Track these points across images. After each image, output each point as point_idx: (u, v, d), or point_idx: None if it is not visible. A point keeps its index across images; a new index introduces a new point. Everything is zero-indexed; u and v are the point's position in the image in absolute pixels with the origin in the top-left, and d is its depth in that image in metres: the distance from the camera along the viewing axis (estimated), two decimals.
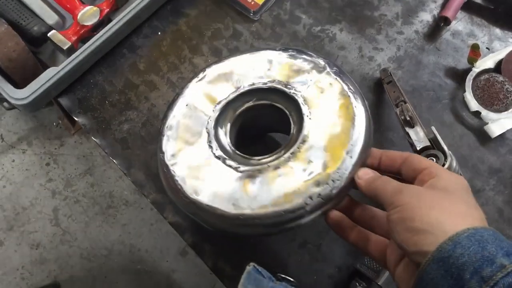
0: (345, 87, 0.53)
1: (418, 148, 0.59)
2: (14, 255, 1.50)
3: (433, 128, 0.60)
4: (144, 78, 0.69)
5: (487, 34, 0.72)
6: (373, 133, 0.53)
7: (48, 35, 0.63)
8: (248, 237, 0.59)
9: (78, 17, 0.65)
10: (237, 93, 0.56)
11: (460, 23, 0.72)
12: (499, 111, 0.66)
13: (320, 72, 0.55)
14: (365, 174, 0.48)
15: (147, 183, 0.64)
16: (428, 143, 0.59)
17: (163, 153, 0.55)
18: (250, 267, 0.50)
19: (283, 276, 0.54)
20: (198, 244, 0.62)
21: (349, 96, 0.53)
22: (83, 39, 0.66)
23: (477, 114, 0.66)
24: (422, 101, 0.68)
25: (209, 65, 0.59)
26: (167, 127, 0.56)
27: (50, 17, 0.65)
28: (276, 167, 0.50)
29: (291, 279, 0.54)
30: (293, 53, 0.57)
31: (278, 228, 0.49)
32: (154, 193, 0.64)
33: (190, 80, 0.58)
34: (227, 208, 0.49)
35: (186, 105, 0.56)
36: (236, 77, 0.57)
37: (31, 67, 0.61)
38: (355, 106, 0.52)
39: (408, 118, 0.61)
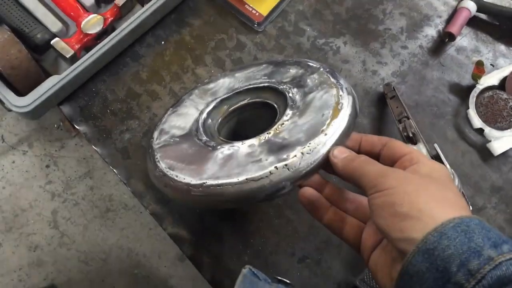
0: (334, 81, 0.53)
1: None
2: (12, 256, 1.50)
3: (435, 145, 0.60)
4: (147, 88, 0.68)
5: (491, 51, 0.72)
6: (355, 120, 0.51)
7: (51, 42, 0.63)
8: (219, 208, 0.62)
9: (82, 26, 0.64)
10: (233, 92, 0.60)
11: (465, 39, 0.72)
12: (502, 128, 0.66)
13: (312, 71, 0.56)
14: (341, 153, 0.46)
15: (147, 194, 0.64)
16: None
17: (152, 139, 0.58)
18: (245, 269, 0.50)
19: (279, 278, 0.54)
20: (197, 256, 0.62)
21: (336, 86, 0.52)
22: (86, 48, 0.66)
23: (480, 131, 0.66)
24: (425, 117, 0.68)
25: (217, 76, 0.64)
26: (161, 119, 0.60)
27: (54, 25, 0.65)
28: (250, 143, 0.50)
29: (288, 281, 0.53)
30: (289, 62, 0.61)
31: (242, 199, 0.47)
32: (153, 203, 0.64)
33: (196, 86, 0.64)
34: (194, 179, 0.48)
35: (185, 101, 0.62)
36: (235, 84, 0.62)
37: (34, 74, 0.61)
38: (341, 95, 0.51)
39: (411, 135, 0.61)
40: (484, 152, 0.66)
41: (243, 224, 0.63)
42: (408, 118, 0.63)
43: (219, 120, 0.59)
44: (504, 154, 0.65)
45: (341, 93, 0.51)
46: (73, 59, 0.63)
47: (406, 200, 0.37)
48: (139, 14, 0.65)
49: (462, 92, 0.69)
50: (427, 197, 0.37)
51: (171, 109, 0.62)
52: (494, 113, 0.67)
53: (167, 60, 0.70)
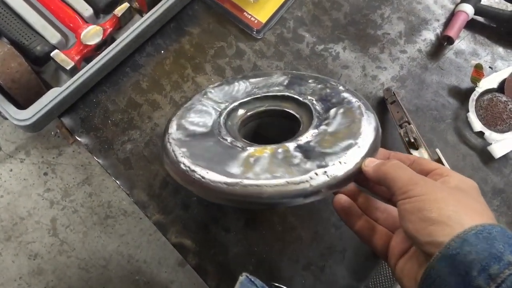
0: (355, 98, 0.56)
1: None
2: (11, 265, 1.49)
3: (437, 150, 0.60)
4: (147, 97, 0.68)
5: (490, 53, 0.72)
6: (380, 134, 0.53)
7: (51, 55, 0.63)
8: (253, 208, 0.61)
9: (81, 37, 0.64)
10: (252, 97, 0.60)
11: (463, 42, 0.73)
12: (502, 131, 0.66)
13: (331, 87, 0.59)
14: (372, 162, 0.48)
15: (150, 204, 0.64)
16: None
17: (168, 137, 0.55)
18: (242, 277, 0.50)
19: (277, 285, 0.54)
20: (202, 266, 0.62)
21: (358, 102, 0.55)
22: (86, 59, 0.65)
23: (480, 134, 0.67)
24: (425, 121, 0.68)
25: (228, 79, 0.65)
26: (177, 115, 0.59)
27: (53, 37, 0.65)
28: (284, 146, 0.51)
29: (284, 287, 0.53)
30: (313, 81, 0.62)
31: (279, 201, 0.47)
32: (157, 214, 0.64)
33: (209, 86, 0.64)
34: (228, 178, 0.48)
35: (199, 100, 0.61)
36: (253, 91, 0.62)
37: (34, 87, 0.61)
38: (365, 111, 0.54)
39: (412, 140, 0.61)
40: (485, 155, 0.66)
41: (247, 232, 0.63)
42: (409, 123, 0.63)
43: (238, 123, 0.59)
44: (504, 156, 0.66)
45: (363, 108, 0.54)
46: (73, 70, 0.63)
47: (435, 207, 0.38)
48: (139, 24, 0.65)
49: (462, 96, 0.69)
50: (456, 205, 0.39)
51: (184, 106, 0.61)
52: (494, 116, 0.67)
53: (167, 69, 0.70)
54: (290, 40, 0.72)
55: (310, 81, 0.61)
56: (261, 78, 0.64)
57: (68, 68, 0.62)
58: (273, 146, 0.51)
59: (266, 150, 0.51)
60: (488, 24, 0.74)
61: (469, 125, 0.68)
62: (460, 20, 0.71)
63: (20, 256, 1.50)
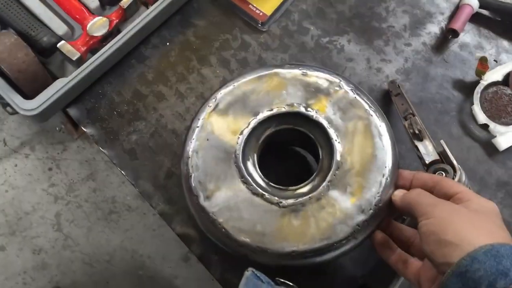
0: (366, 106, 0.55)
1: (427, 162, 0.59)
2: (16, 260, 1.50)
3: (442, 142, 0.60)
4: (153, 89, 0.69)
5: (494, 46, 0.72)
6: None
7: (58, 46, 0.63)
8: (300, 269, 0.59)
9: (87, 28, 0.65)
10: (257, 120, 0.54)
11: (468, 35, 0.73)
12: (507, 124, 0.66)
13: (337, 90, 0.55)
14: (400, 192, 0.51)
15: (155, 194, 0.64)
16: (437, 157, 0.59)
17: (196, 196, 0.53)
18: (248, 272, 0.50)
19: (282, 280, 0.54)
20: (206, 255, 0.62)
21: (371, 115, 0.54)
22: (92, 50, 0.66)
23: (485, 127, 0.67)
24: (429, 113, 0.68)
25: (218, 90, 0.57)
26: (192, 166, 0.53)
27: (60, 28, 0.65)
28: (318, 199, 0.51)
29: (290, 284, 0.54)
30: (304, 70, 0.56)
31: (329, 259, 0.51)
32: (162, 204, 0.64)
33: (202, 109, 0.56)
34: (278, 246, 0.50)
35: (207, 140, 0.54)
36: (250, 103, 0.55)
37: (41, 78, 0.61)
38: (380, 125, 0.54)
39: (417, 132, 0.61)
40: (489, 148, 0.66)
41: None
42: (414, 115, 0.63)
43: (255, 157, 0.56)
44: (509, 149, 0.66)
45: (378, 122, 0.54)
46: (79, 61, 0.64)
47: (450, 229, 0.42)
48: (145, 16, 0.65)
49: (466, 89, 0.69)
50: (470, 227, 0.42)
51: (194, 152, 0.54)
52: (498, 109, 0.67)
53: (172, 61, 0.70)
54: (295, 33, 0.72)
55: (314, 80, 0.57)
56: (262, 84, 0.57)
57: (74, 59, 0.63)
58: (307, 191, 0.52)
59: (302, 203, 0.51)
60: (493, 17, 0.74)
61: (473, 117, 0.68)
62: (465, 14, 0.71)
63: (24, 250, 1.51)
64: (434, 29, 0.73)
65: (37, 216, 1.55)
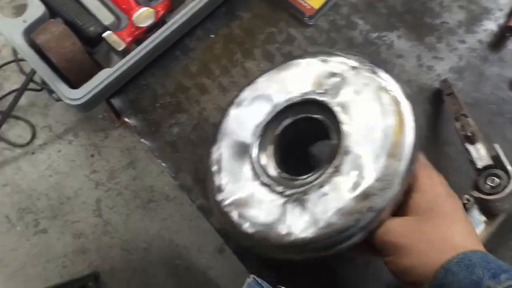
0: (383, 83, 0.49)
1: (479, 167, 0.56)
2: (57, 243, 1.54)
3: (496, 146, 0.57)
4: (196, 81, 0.68)
5: None
6: (422, 133, 0.50)
7: (103, 36, 0.63)
8: (303, 262, 0.57)
9: (134, 19, 0.64)
10: (273, 113, 0.54)
11: None
12: None
13: (352, 72, 0.51)
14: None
15: (194, 188, 0.64)
16: (490, 162, 0.56)
17: (213, 190, 0.54)
18: (250, 279, 0.50)
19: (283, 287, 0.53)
20: (243, 252, 0.61)
21: (388, 93, 0.48)
22: (137, 41, 0.66)
23: None
24: (483, 115, 0.65)
25: (242, 89, 0.58)
26: (211, 162, 0.55)
27: (106, 18, 0.65)
28: (321, 186, 0.47)
29: None
30: (323, 57, 0.54)
31: (331, 250, 0.47)
32: (201, 198, 0.63)
33: (228, 107, 0.57)
34: (277, 237, 0.48)
35: (227, 135, 0.56)
36: (268, 96, 0.55)
37: (86, 67, 0.62)
38: (398, 103, 0.48)
39: (469, 134, 0.58)
40: None
41: None
42: (466, 116, 0.60)
43: (271, 149, 0.55)
44: None
45: (396, 99, 0.48)
46: (125, 52, 0.64)
47: (406, 255, 0.43)
48: (191, 7, 0.64)
49: None
50: (427, 244, 0.43)
51: (215, 146, 0.56)
52: None
53: (216, 53, 0.69)
54: (343, 27, 0.70)
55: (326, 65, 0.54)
56: (278, 75, 0.57)
57: (119, 49, 0.63)
58: (312, 179, 0.49)
59: (304, 188, 0.49)
60: None
61: None
62: None
63: (65, 234, 1.55)
64: (491, 26, 0.69)
65: (78, 201, 1.58)
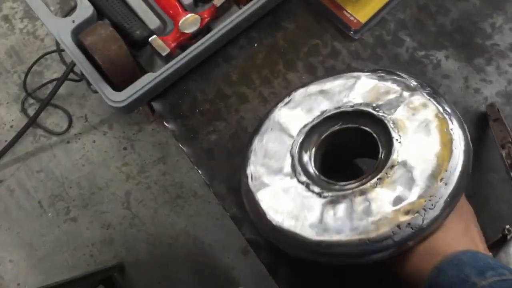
0: (440, 109, 0.50)
1: None
2: (85, 232, 1.57)
3: None
4: (236, 90, 0.68)
5: None
6: (472, 162, 0.49)
7: (149, 40, 0.64)
8: (329, 266, 0.57)
9: (179, 24, 0.65)
10: (323, 117, 0.55)
11: None
12: None
13: (411, 92, 0.52)
14: None
15: (228, 197, 0.64)
16: None
17: (246, 177, 0.54)
18: None
19: None
20: (273, 265, 0.61)
21: (444, 118, 0.49)
22: (181, 46, 0.66)
23: None
24: None
25: (295, 89, 0.58)
26: (251, 151, 0.56)
27: (152, 22, 0.66)
28: (362, 193, 0.47)
29: None
30: (382, 74, 0.55)
31: (361, 259, 0.46)
32: (234, 207, 0.63)
33: (276, 104, 0.58)
34: (309, 234, 0.48)
35: (271, 129, 0.56)
36: (321, 101, 0.56)
37: (130, 71, 0.62)
38: (452, 129, 0.48)
39: None
40: None
41: None
42: None
43: (313, 151, 0.55)
44: None
45: (451, 125, 0.48)
46: (168, 57, 0.64)
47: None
48: (236, 16, 0.64)
49: None
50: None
51: (257, 137, 0.57)
52: None
53: (258, 63, 0.69)
54: (389, 43, 0.68)
55: (384, 83, 0.54)
56: (331, 85, 0.57)
57: (164, 54, 0.63)
58: (353, 187, 0.49)
59: (343, 193, 0.49)
60: None
61: None
62: None
63: (94, 224, 1.58)
64: None
65: (109, 193, 1.61)
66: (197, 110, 0.67)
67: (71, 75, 1.49)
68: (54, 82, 1.50)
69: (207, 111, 0.67)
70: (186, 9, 0.67)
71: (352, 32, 0.68)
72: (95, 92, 0.64)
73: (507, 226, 0.53)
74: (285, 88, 0.67)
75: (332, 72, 0.67)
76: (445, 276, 0.41)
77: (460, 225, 0.46)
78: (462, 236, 0.45)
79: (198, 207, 1.59)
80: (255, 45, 0.69)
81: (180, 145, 0.66)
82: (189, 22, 0.65)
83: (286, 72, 0.68)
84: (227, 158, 0.65)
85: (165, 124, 0.67)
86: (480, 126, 0.64)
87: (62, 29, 0.63)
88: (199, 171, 0.65)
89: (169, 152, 1.64)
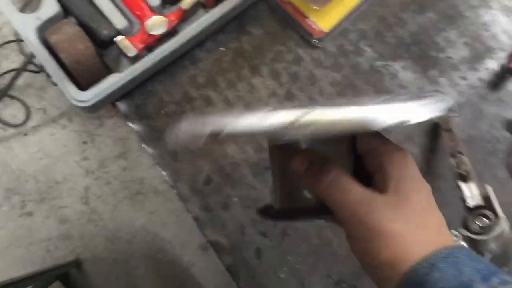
0: None
1: (470, 206, 0.58)
2: (42, 227, 1.54)
3: (488, 187, 0.59)
4: (202, 92, 0.69)
5: None
6: None
7: (116, 40, 0.64)
8: None
9: (146, 26, 0.65)
10: None
11: None
12: None
13: None
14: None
15: (191, 198, 0.65)
16: (481, 202, 0.58)
17: None
18: None
19: None
20: (234, 266, 0.63)
21: None
22: (148, 48, 0.66)
23: None
24: (477, 152, 0.67)
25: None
26: None
27: (120, 22, 0.66)
28: None
29: None
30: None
31: None
32: (197, 209, 0.65)
33: None
34: None
35: None
36: None
37: (96, 70, 0.62)
38: None
39: (463, 172, 0.60)
40: None
41: (283, 240, 0.63)
42: (462, 154, 0.62)
43: None
44: None
45: None
46: (135, 58, 0.64)
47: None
48: (204, 19, 0.65)
49: None
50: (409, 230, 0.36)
51: None
52: None
53: (224, 66, 0.70)
54: (351, 53, 0.71)
55: None
56: None
57: (131, 55, 0.64)
58: None
59: None
60: None
61: None
62: None
63: (51, 218, 1.55)
64: (493, 65, 0.71)
65: (66, 187, 1.58)
66: (163, 111, 0.68)
67: (30, 66, 1.46)
68: (12, 73, 1.47)
69: (172, 113, 0.68)
70: (154, 10, 0.67)
71: (315, 40, 0.71)
72: (55, 84, 0.63)
73: (455, 232, 0.57)
74: (250, 92, 0.69)
75: (294, 78, 0.69)
76: (442, 275, 0.33)
77: (441, 216, 0.39)
78: (445, 228, 0.38)
79: (159, 203, 1.59)
80: (222, 48, 0.71)
81: (145, 146, 0.67)
82: (156, 24, 0.65)
83: (251, 76, 0.70)
84: (191, 160, 0.66)
85: (130, 124, 0.67)
86: (432, 136, 0.67)
87: (26, 26, 0.63)
88: (163, 172, 0.66)
89: (130, 147, 1.63)
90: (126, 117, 0.67)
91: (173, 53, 0.65)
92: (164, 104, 0.68)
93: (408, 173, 0.38)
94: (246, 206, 0.65)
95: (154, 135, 0.67)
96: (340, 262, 0.62)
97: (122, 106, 0.68)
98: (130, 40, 0.64)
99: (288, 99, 0.69)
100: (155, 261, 1.54)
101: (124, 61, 0.67)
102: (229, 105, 0.68)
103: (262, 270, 0.62)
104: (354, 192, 0.37)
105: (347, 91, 0.70)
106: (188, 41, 0.66)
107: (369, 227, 0.36)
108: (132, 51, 0.64)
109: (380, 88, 0.69)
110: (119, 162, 1.61)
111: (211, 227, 0.64)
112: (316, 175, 0.38)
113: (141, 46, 0.65)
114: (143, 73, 0.64)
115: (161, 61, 0.65)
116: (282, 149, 0.43)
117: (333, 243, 0.63)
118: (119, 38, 0.64)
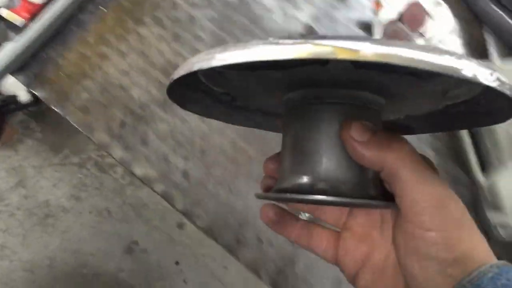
0: None
1: None
2: None
3: None
4: (95, 50, 0.74)
5: None
6: None
7: (1, 15, 0.67)
8: None
9: None
10: None
11: None
12: None
13: None
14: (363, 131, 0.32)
15: (112, 144, 0.70)
16: None
17: None
18: None
19: None
20: (167, 191, 0.68)
21: None
22: (34, 17, 0.70)
23: None
24: None
25: None
26: None
27: None
28: None
29: None
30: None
31: None
32: (120, 151, 0.69)
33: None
34: None
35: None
36: None
37: None
38: None
39: None
40: None
41: (203, 159, 0.70)
42: None
43: None
44: None
45: None
46: (23, 28, 0.67)
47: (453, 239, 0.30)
48: None
49: (368, 28, 0.82)
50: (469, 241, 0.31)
51: None
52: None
53: (110, 24, 0.76)
54: None
55: None
56: None
57: (19, 24, 0.67)
58: None
59: None
60: None
61: None
62: None
63: None
64: None
65: None
66: (63, 74, 0.72)
67: None
68: None
69: (72, 74, 0.72)
70: None
71: None
72: None
73: None
74: (140, 42, 0.75)
75: (176, 21, 0.77)
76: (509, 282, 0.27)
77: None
78: (485, 243, 0.31)
79: (70, 221, 1.56)
80: (103, 8, 0.76)
81: (53, 107, 0.70)
82: None
83: (136, 27, 0.76)
84: (103, 111, 0.71)
85: (34, 92, 0.70)
86: None
87: None
88: (78, 128, 0.70)
89: (26, 174, 1.58)
90: (28, 86, 0.70)
91: (56, 18, 0.69)
92: (62, 67, 0.72)
93: (441, 190, 0.32)
94: (162, 138, 0.71)
95: (60, 97, 0.70)
96: (257, 163, 0.71)
97: (21, 78, 0.70)
98: (15, 12, 0.67)
99: (175, 41, 0.76)
100: (81, 277, 1.51)
101: (12, 34, 0.69)
102: (123, 56, 0.74)
103: (192, 188, 0.69)
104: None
105: (226, 25, 0.79)
106: (69, 6, 0.70)
107: (455, 216, 0.31)
108: (19, 21, 0.67)
109: (253, 16, 0.80)
110: (18, 191, 1.56)
111: (137, 164, 0.69)
112: (384, 145, 0.31)
113: (27, 15, 0.68)
114: (34, 40, 0.68)
115: (47, 26, 0.69)
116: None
117: (248, 151, 0.72)
118: (4, 13, 0.67)
